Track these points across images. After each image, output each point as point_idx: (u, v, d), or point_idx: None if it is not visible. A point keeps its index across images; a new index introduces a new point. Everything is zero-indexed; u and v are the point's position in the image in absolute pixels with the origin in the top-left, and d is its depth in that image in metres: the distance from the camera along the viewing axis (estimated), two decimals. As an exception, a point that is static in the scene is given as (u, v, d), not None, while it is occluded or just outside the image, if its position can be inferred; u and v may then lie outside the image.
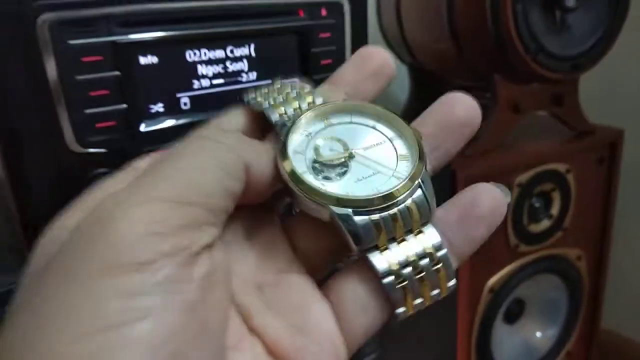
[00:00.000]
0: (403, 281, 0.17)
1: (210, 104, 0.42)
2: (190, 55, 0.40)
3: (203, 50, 0.41)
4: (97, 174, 0.38)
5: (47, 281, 0.14)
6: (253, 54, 0.44)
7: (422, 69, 0.88)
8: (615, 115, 0.88)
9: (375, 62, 0.23)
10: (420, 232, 0.18)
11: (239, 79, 0.43)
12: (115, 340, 0.12)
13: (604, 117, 0.84)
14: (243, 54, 0.43)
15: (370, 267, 0.17)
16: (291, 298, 0.17)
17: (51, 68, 0.35)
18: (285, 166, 0.18)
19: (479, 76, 0.77)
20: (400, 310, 0.17)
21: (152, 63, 0.39)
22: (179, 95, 0.41)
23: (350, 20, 0.49)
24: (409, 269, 0.17)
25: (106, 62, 0.37)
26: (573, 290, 0.86)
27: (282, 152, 0.18)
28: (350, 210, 0.17)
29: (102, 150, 0.38)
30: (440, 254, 0.18)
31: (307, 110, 0.20)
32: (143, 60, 0.38)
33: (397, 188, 0.18)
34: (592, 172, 0.82)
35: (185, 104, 0.41)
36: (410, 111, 0.91)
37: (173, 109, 0.41)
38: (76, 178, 0.38)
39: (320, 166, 0.18)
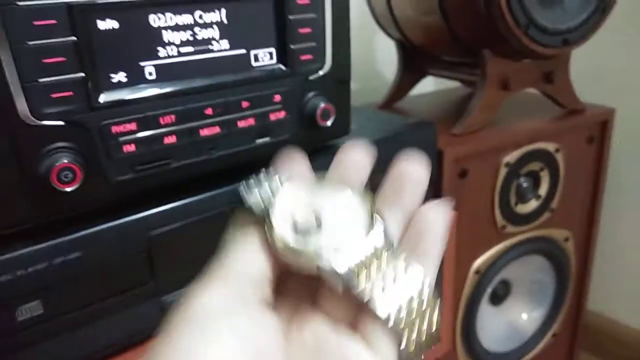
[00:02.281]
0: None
1: (178, 74, 0.40)
2: (155, 20, 0.37)
3: (169, 15, 0.38)
4: (53, 148, 0.35)
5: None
6: (225, 20, 0.41)
7: (410, 45, 0.85)
8: (606, 94, 0.86)
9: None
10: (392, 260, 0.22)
11: (210, 47, 0.40)
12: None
13: (595, 96, 0.82)
14: (213, 19, 0.40)
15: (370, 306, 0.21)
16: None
17: (-1, 32, 0.32)
18: (275, 238, 0.22)
19: (468, 52, 0.74)
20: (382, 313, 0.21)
21: (112, 28, 0.36)
22: (142, 63, 0.38)
23: (331, -14, 0.46)
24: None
25: (61, 27, 0.34)
26: (560, 272, 0.85)
27: (269, 224, 0.23)
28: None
29: (59, 122, 0.35)
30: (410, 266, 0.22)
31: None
32: (102, 24, 0.35)
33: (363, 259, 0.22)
34: (581, 151, 0.80)
35: (150, 73, 0.38)
36: (399, 86, 0.88)
37: (136, 79, 0.38)
38: (32, 153, 0.35)
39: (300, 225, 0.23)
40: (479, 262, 0.74)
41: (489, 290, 0.78)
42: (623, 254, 1.10)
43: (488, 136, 0.71)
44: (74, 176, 0.36)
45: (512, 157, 0.72)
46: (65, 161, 0.35)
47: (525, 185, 0.76)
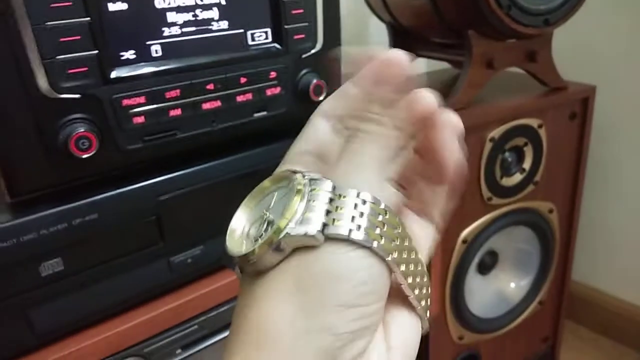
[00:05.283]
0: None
1: (182, 52, 0.43)
2: (160, 2, 0.41)
3: (172, -2, 0.41)
4: (71, 119, 0.39)
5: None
6: (223, 2, 0.44)
7: (400, 27, 0.89)
8: (587, 72, 0.90)
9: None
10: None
11: (210, 27, 0.44)
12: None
13: (577, 74, 0.85)
14: (213, 1, 0.44)
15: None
16: None
17: (21, 14, 0.36)
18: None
19: (455, 33, 0.78)
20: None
21: (121, 9, 0.39)
22: (149, 42, 0.41)
23: (322, -30, 0.50)
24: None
25: (75, 8, 0.37)
26: (545, 242, 0.89)
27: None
28: None
29: (76, 95, 0.39)
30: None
31: None
32: (112, 6, 0.39)
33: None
34: (564, 127, 0.84)
35: (156, 51, 0.42)
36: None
37: (144, 56, 0.41)
38: (52, 123, 0.39)
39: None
40: (466, 232, 0.78)
41: (476, 259, 0.83)
42: (606, 224, 1.14)
43: (474, 113, 0.75)
44: (90, 144, 0.39)
45: (496, 132, 0.76)
46: (82, 130, 0.39)
47: (509, 159, 0.80)
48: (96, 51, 0.39)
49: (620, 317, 1.15)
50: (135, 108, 0.42)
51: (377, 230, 0.20)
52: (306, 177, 0.21)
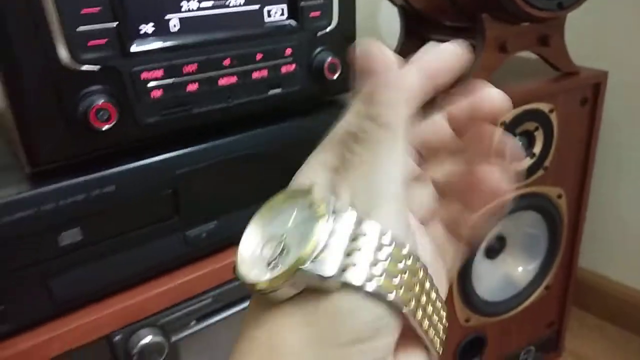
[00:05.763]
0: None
1: (199, 27, 0.44)
2: (179, -24, 0.41)
3: (191, -28, 0.42)
4: (91, 90, 0.40)
5: None
6: (240, -22, 0.44)
7: (412, 11, 0.88)
8: (600, 57, 0.89)
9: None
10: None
11: (227, 2, 0.44)
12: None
13: (589, 59, 0.85)
14: (231, -23, 0.44)
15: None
16: None
17: (43, -15, 0.36)
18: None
19: (468, 17, 0.78)
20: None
21: (141, -18, 0.40)
22: (168, 16, 0.42)
23: (337, -50, 0.50)
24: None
25: (96, -20, 0.38)
26: (553, 228, 0.89)
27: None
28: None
29: (96, 67, 0.39)
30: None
31: None
32: (132, -22, 0.39)
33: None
34: (575, 112, 0.84)
35: (174, 25, 0.42)
36: (401, 52, 0.92)
37: (162, 30, 0.42)
38: (72, 94, 0.39)
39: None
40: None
41: (484, 243, 0.83)
42: (614, 211, 1.14)
43: (485, 96, 0.75)
44: (109, 116, 0.40)
45: (507, 116, 0.76)
46: (102, 102, 0.39)
47: (520, 143, 0.80)
48: (116, 23, 0.39)
49: (627, 304, 1.15)
50: (153, 81, 0.42)
51: (396, 280, 0.19)
52: (326, 201, 0.20)
